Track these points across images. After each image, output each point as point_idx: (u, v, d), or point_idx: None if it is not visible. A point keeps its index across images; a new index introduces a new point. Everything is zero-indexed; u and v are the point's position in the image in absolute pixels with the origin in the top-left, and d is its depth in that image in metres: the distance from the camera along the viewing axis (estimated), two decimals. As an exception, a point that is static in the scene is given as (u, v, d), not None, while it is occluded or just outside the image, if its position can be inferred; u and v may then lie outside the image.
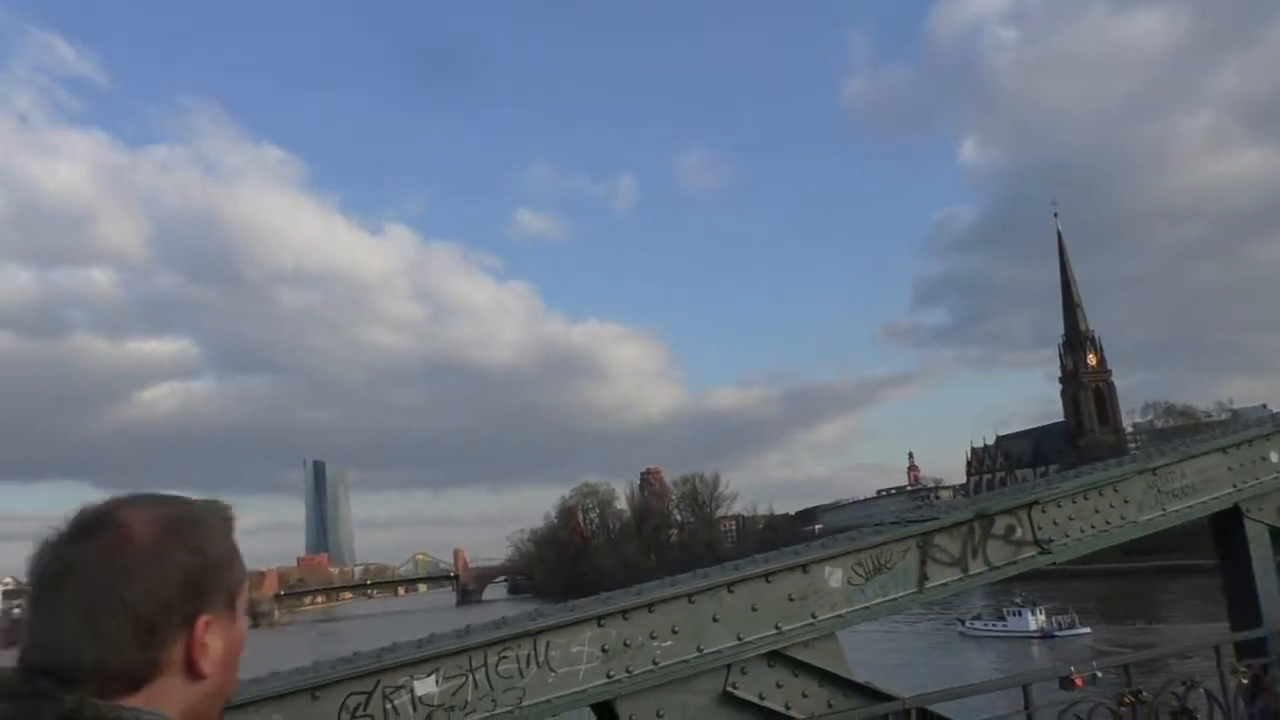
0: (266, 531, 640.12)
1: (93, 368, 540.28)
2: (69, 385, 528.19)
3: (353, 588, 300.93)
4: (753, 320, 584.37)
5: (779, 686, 5.52)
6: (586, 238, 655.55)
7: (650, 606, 5.18)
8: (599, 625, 5.03)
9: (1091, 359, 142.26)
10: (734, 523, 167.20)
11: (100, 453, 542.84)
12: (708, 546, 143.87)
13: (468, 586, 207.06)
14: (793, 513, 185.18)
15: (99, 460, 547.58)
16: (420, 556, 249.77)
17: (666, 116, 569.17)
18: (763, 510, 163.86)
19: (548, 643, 4.87)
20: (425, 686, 4.52)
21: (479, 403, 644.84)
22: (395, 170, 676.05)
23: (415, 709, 4.49)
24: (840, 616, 5.92)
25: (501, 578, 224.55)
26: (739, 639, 5.43)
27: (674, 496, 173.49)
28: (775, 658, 5.61)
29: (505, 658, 4.78)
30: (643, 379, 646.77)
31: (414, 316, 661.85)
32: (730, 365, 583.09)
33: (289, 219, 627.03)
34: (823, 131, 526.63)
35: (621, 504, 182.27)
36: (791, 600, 5.72)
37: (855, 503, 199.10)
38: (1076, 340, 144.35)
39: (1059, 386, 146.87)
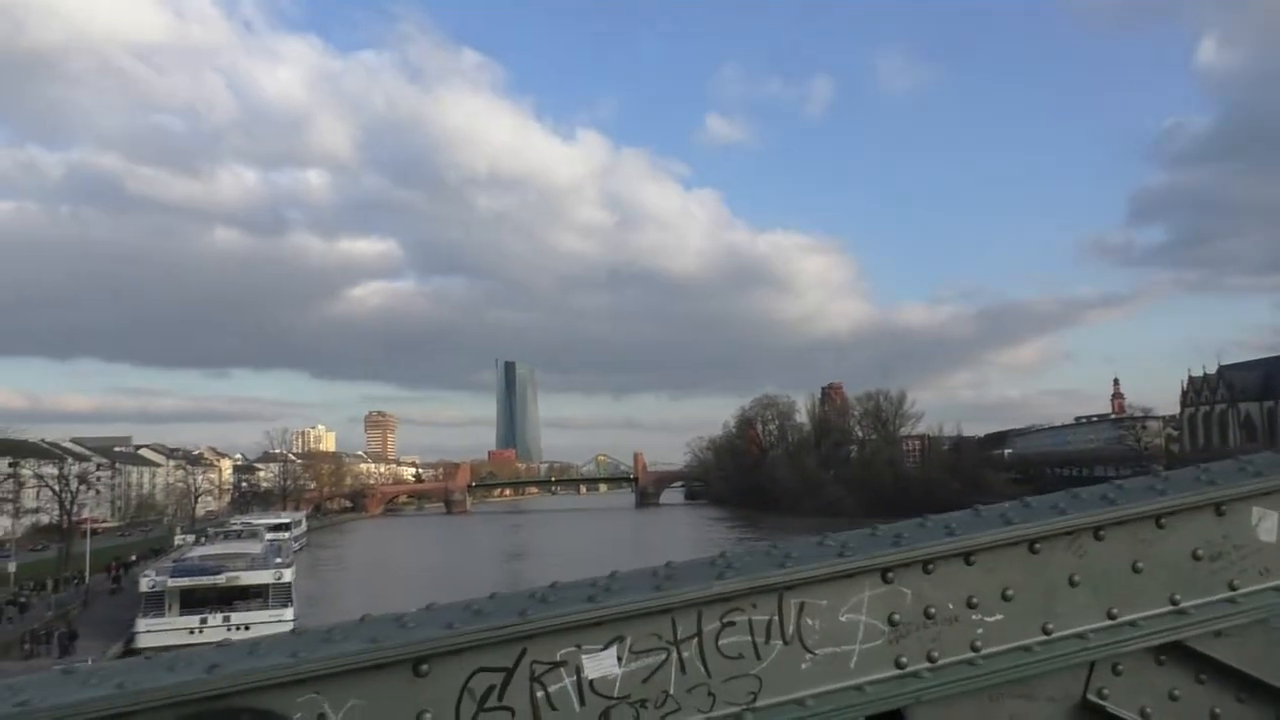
0: (461, 426, 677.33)
1: (309, 264, 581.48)
2: (290, 281, 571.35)
3: (538, 483, 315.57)
4: (948, 234, 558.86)
5: (1174, 699, 3.29)
6: (775, 145, 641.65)
7: (968, 556, 3.03)
8: (884, 580, 2.94)
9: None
10: (918, 443, 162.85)
11: (317, 345, 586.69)
12: (889, 465, 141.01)
13: (646, 489, 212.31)
14: (981, 436, 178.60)
15: (316, 352, 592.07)
16: (601, 458, 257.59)
17: (864, 13, 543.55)
18: (949, 431, 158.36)
19: (801, 605, 2.80)
20: (600, 665, 2.64)
21: (662, 310, 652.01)
22: (588, 75, 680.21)
23: (583, 700, 2.60)
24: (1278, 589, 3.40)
25: (679, 483, 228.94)
26: (1111, 617, 3.22)
27: (855, 413, 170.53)
28: (1169, 652, 3.34)
29: (731, 625, 2.76)
30: (828, 292, 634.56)
31: (602, 223, 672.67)
32: (921, 281, 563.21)
33: (486, 123, 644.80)
34: (1037, 28, 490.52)
35: (801, 417, 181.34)
36: (1198, 560, 3.35)
37: (1050, 429, 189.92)
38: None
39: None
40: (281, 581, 49.15)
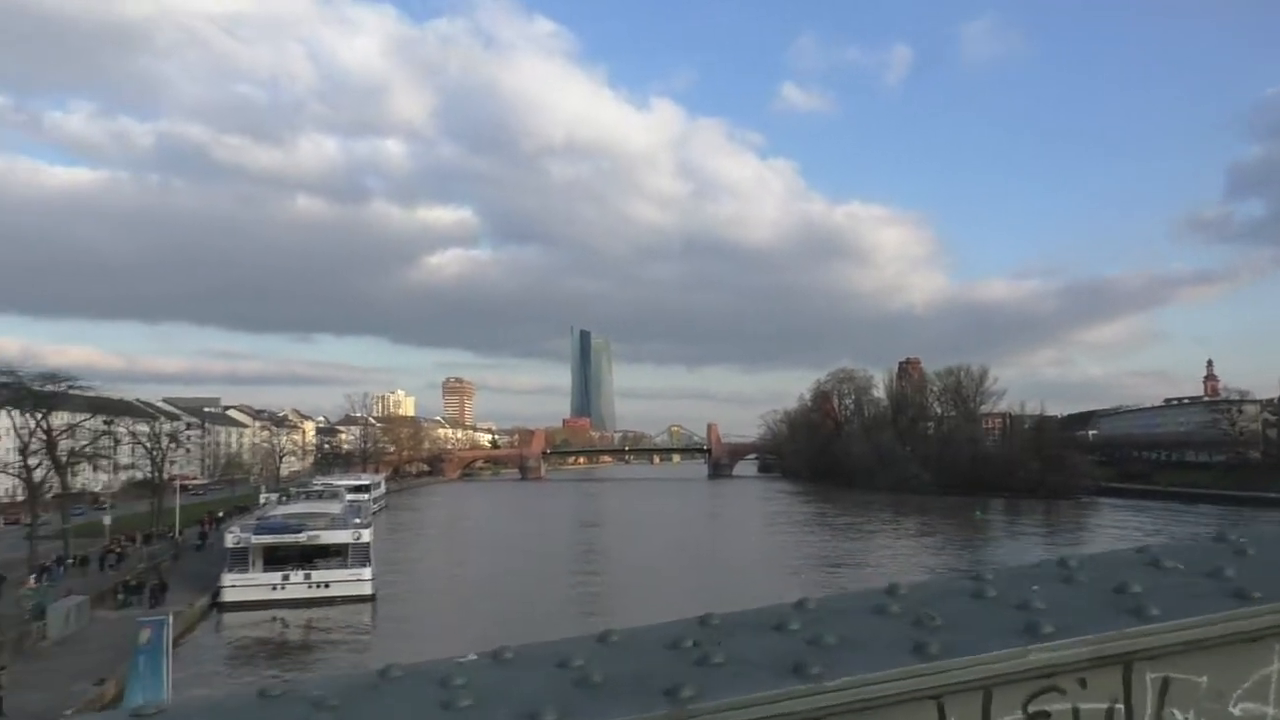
0: (536, 394, 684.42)
1: (388, 232, 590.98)
2: (370, 248, 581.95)
3: (611, 451, 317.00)
4: (1032, 208, 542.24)
5: None
6: (853, 115, 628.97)
7: None
8: None
9: None
10: (998, 421, 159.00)
11: (396, 311, 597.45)
12: (969, 442, 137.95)
13: (719, 460, 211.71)
14: (1063, 415, 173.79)
15: (396, 318, 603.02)
16: (675, 428, 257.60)
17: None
18: (1031, 410, 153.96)
19: (1163, 683, 1.55)
20: None
21: (736, 282, 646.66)
22: (662, 44, 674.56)
23: None
24: None
25: (752, 455, 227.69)
26: None
27: (934, 389, 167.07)
28: None
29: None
30: (906, 265, 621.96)
31: (676, 192, 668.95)
32: (1003, 256, 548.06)
33: (560, 91, 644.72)
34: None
35: (878, 392, 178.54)
36: None
37: (1137, 410, 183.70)
38: None
39: None
40: (360, 541, 49.91)
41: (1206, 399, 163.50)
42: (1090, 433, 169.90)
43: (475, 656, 1.53)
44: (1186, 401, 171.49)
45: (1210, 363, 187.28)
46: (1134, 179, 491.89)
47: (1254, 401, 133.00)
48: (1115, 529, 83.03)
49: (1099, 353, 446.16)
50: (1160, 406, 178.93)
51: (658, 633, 1.76)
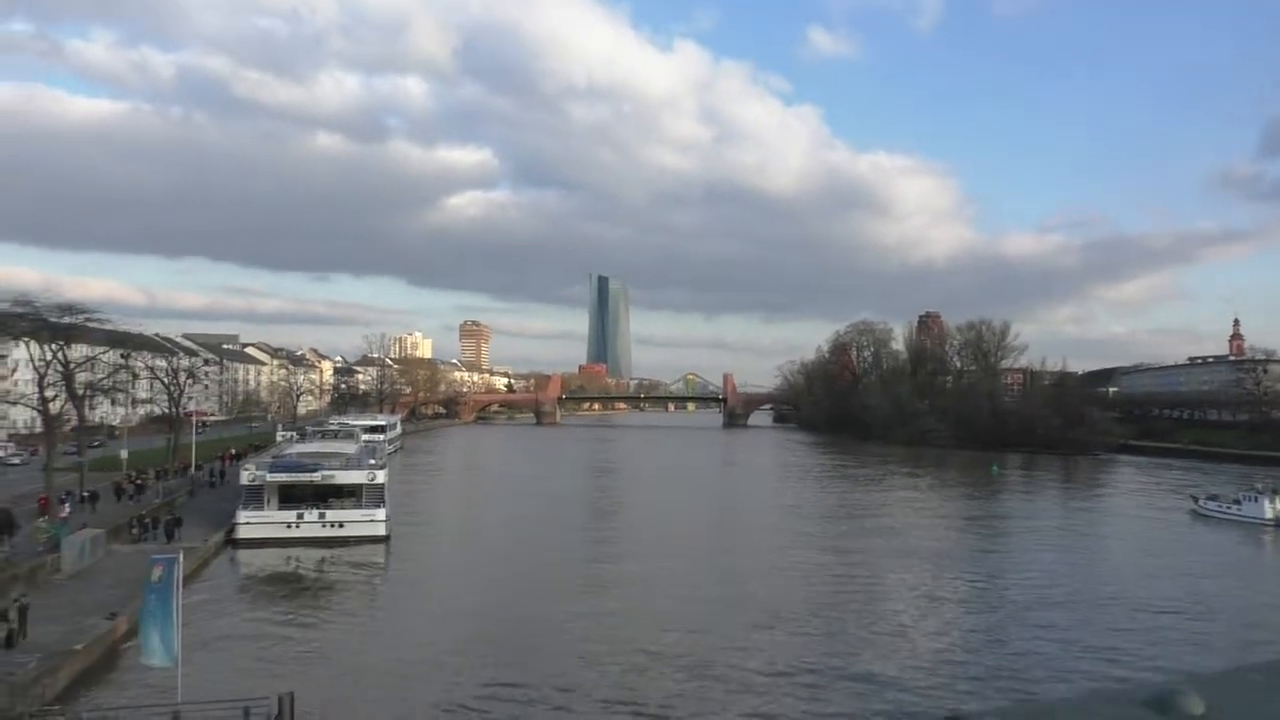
0: (553, 339, 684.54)
1: (408, 172, 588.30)
2: (389, 188, 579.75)
3: (626, 399, 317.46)
4: (1059, 160, 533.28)
5: None
6: (880, 60, 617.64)
7: None
8: None
9: None
10: (1019, 376, 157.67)
11: (415, 252, 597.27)
12: (988, 397, 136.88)
13: (735, 410, 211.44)
14: (1085, 372, 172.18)
15: (414, 259, 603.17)
16: (691, 377, 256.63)
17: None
18: (1052, 366, 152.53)
19: None
20: None
21: (756, 230, 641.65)
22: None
23: None
24: None
25: (768, 405, 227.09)
26: None
27: (954, 342, 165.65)
28: None
29: None
30: (929, 217, 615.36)
31: (698, 138, 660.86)
32: (1028, 209, 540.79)
33: (582, 31, 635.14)
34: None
35: (898, 345, 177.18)
36: None
37: (1160, 368, 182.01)
38: None
39: None
40: (375, 482, 49.72)
41: (1232, 358, 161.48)
42: (1111, 390, 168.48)
43: None
44: (1211, 360, 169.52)
45: (1236, 322, 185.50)
46: (1165, 133, 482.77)
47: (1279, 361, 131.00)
48: (1134, 487, 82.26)
49: (1122, 310, 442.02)
50: (1184, 365, 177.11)
51: None
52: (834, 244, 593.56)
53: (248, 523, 46.50)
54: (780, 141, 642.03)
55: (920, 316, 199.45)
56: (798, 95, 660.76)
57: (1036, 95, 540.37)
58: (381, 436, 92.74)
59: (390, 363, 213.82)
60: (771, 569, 41.15)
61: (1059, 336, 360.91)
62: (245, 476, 49.24)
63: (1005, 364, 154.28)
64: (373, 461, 54.51)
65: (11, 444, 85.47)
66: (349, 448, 62.37)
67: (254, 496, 48.24)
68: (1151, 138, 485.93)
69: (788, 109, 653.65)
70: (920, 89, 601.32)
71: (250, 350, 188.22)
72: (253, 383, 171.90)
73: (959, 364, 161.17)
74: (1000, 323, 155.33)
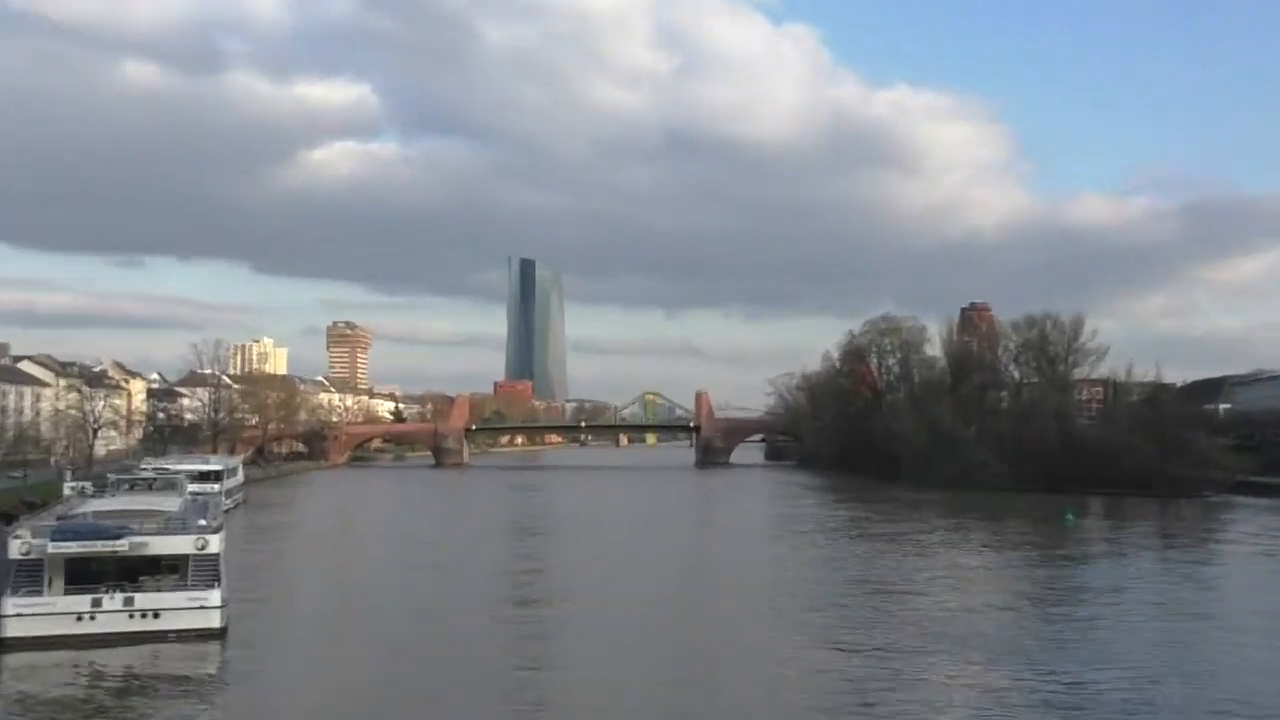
0: (458, 347, 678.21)
1: (253, 115, 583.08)
2: (227, 137, 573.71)
3: (561, 429, 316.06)
4: (1147, 97, 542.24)
5: None
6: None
7: None
8: None
9: None
10: (1097, 390, 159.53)
11: (261, 227, 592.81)
12: (1057, 419, 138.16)
13: (712, 442, 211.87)
14: (1185, 383, 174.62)
15: (261, 237, 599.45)
16: (650, 397, 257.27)
17: None
18: (1141, 376, 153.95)
19: None
20: None
21: (737, 193, 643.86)
22: None
23: None
24: None
25: (757, 436, 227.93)
26: None
27: (1009, 345, 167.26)
28: None
29: None
30: (971, 175, 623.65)
31: (655, 68, 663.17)
32: (1104, 163, 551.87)
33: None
34: None
35: (933, 349, 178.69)
36: None
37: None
38: None
39: None
40: (206, 552, 48.50)
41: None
42: (1222, 407, 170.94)
43: None
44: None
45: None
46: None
47: None
48: (1261, 543, 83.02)
49: (1235, 298, 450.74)
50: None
51: None
52: (843, 211, 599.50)
53: (19, 614, 44.76)
54: (766, 72, 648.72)
55: (962, 310, 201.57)
56: (789, 11, 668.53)
57: (1116, 8, 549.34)
58: (216, 486, 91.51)
59: (229, 381, 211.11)
60: (771, 679, 40.34)
61: (1150, 335, 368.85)
62: (16, 548, 47.54)
63: (1079, 374, 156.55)
64: (203, 523, 53.44)
65: None
66: (169, 503, 61.21)
67: (28, 576, 46.58)
68: (1273, 62, 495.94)
69: (776, 29, 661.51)
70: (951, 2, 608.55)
71: (25, 366, 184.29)
72: (28, 411, 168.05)
73: (1016, 374, 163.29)
74: (1071, 317, 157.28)
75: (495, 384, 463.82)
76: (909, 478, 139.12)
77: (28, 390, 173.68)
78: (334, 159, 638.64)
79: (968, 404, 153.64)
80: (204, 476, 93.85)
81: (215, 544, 49.39)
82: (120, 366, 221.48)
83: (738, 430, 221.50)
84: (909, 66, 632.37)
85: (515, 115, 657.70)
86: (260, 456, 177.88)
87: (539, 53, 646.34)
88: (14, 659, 41.89)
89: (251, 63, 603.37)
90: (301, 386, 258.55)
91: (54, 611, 45.40)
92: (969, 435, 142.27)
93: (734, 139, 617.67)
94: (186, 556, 48.47)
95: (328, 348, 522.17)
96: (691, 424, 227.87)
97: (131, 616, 45.63)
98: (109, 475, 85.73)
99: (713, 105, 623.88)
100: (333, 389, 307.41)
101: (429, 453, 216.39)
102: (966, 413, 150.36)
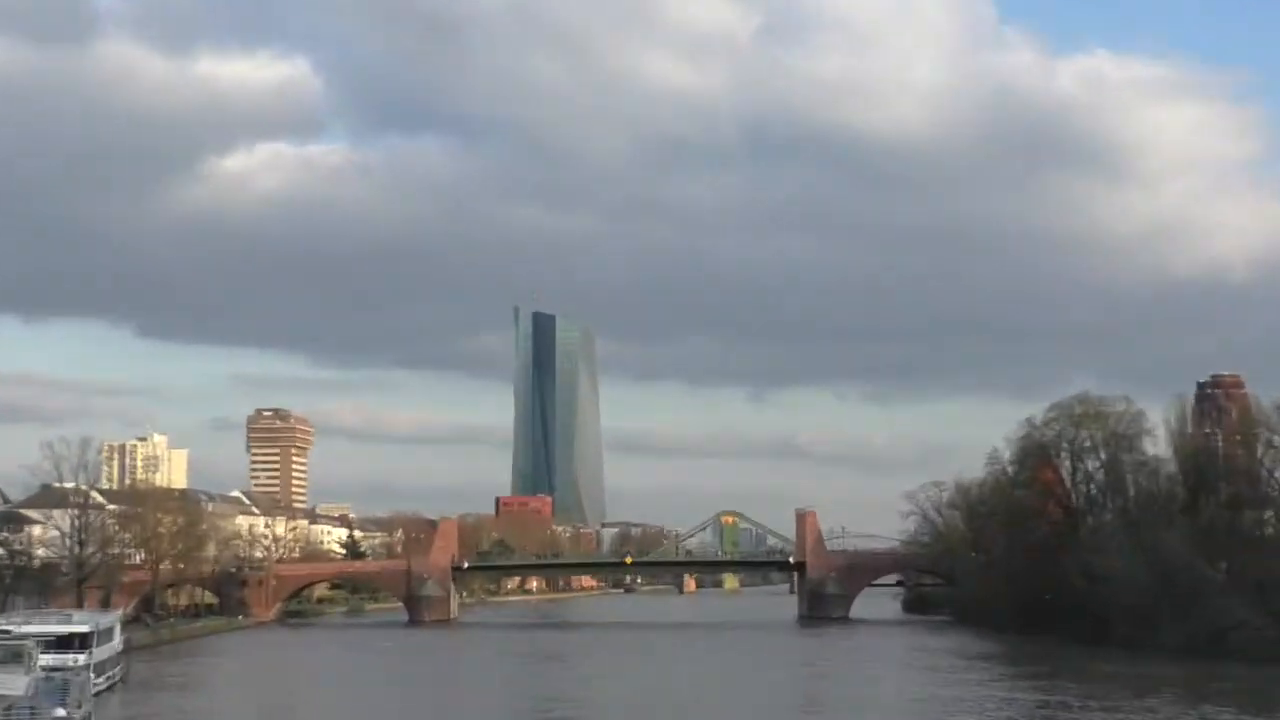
0: (444, 445, 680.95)
1: (139, 105, 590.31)
2: (100, 136, 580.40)
3: (597, 567, 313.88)
4: None
5: None
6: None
7: None
8: None
9: None
10: None
11: (152, 270, 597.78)
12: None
13: (822, 588, 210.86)
14: None
15: (150, 285, 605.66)
16: (729, 519, 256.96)
17: None
18: None
19: None
20: None
21: (850, 214, 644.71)
22: None
23: None
24: None
25: (891, 577, 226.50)
26: None
27: (1274, 440, 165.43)
28: None
29: None
30: (1210, 181, 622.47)
31: (730, 29, 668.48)
32: None
33: None
34: None
35: (1156, 446, 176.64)
36: None
37: None
38: None
39: None
40: (66, 765, 48.28)
41: None
42: None
43: None
44: None
45: None
46: None
47: None
48: None
49: None
50: None
51: None
52: (1010, 239, 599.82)
53: None
54: (895, 35, 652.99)
55: (1200, 386, 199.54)
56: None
57: None
58: (82, 658, 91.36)
59: (101, 500, 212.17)
60: None
61: None
62: None
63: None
64: (62, 712, 52.98)
65: None
66: (12, 683, 60.87)
67: None
68: None
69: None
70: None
71: None
72: None
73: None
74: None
75: (498, 500, 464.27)
76: (1124, 642, 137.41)
77: None
78: (255, 168, 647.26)
79: (1213, 529, 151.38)
80: (63, 643, 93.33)
81: (80, 751, 49.12)
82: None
83: (861, 568, 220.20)
84: (1108, 24, 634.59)
85: (520, 102, 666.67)
86: (148, 612, 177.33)
87: (556, 8, 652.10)
88: None
89: (134, 29, 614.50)
90: (210, 506, 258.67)
91: None
92: (1217, 577, 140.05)
93: (845, 134, 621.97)
94: (35, 765, 48.20)
95: (248, 448, 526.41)
96: (792, 559, 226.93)
97: None
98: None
99: (814, 86, 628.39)
100: (256, 509, 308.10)
101: (399, 604, 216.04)
102: (1211, 543, 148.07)
